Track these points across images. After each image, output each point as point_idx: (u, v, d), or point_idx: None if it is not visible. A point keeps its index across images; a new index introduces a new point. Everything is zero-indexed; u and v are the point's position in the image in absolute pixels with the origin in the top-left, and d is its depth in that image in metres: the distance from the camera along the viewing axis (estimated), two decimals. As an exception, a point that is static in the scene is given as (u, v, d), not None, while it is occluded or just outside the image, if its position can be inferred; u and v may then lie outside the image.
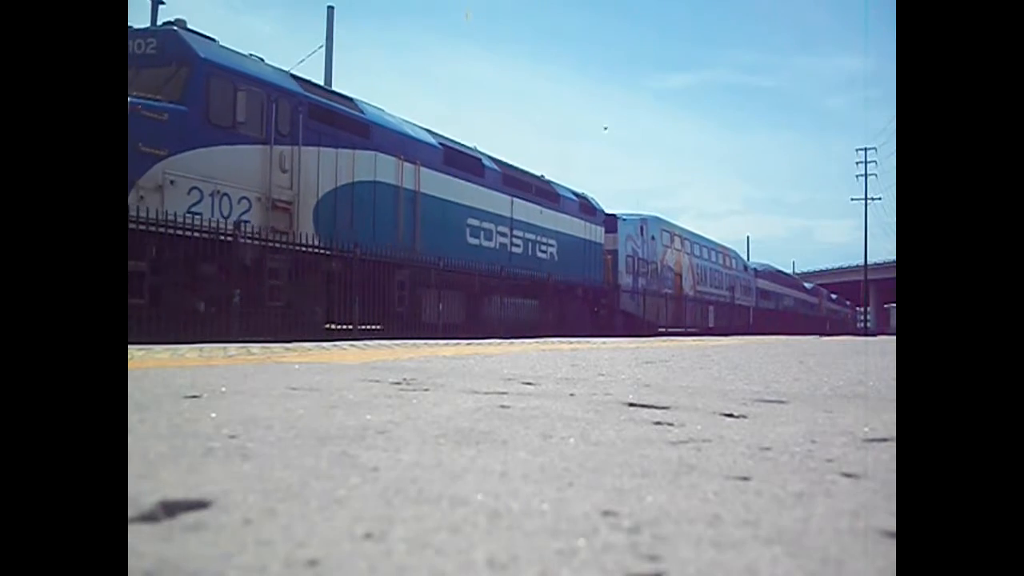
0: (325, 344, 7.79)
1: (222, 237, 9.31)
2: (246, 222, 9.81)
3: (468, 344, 8.48)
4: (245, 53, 10.89)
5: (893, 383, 3.67)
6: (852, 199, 52.09)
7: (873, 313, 63.78)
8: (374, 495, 1.15)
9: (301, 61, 31.89)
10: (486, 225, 15.27)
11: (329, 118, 11.52)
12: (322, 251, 10.80)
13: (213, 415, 1.98)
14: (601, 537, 0.96)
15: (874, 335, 39.42)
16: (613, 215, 21.31)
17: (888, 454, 1.63)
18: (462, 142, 15.41)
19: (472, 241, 14.78)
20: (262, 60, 11.11)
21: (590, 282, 19.29)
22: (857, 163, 50.47)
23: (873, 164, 53.73)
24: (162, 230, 8.47)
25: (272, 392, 2.58)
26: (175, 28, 9.79)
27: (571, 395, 2.75)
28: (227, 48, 10.48)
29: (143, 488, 1.14)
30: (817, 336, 24.52)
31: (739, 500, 1.18)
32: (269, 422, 1.87)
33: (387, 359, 4.96)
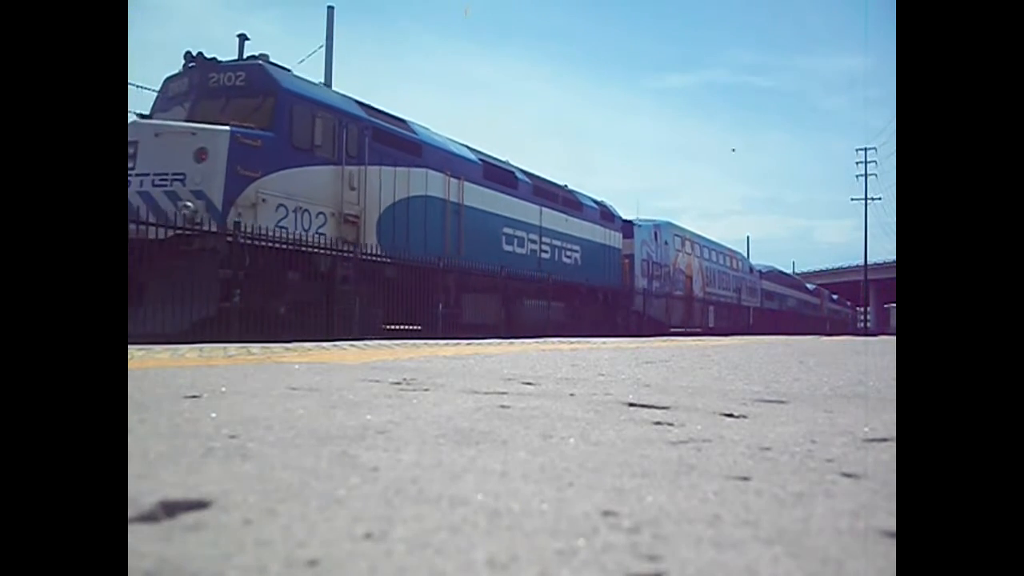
0: (325, 344, 7.78)
1: (304, 249, 10.29)
2: (322, 234, 10.83)
3: (468, 344, 8.48)
4: (310, 79, 12.14)
5: (893, 383, 3.67)
6: (852, 199, 52.00)
7: (873, 313, 63.78)
8: (374, 495, 1.15)
9: (301, 61, 31.88)
10: (519, 233, 16.36)
11: (388, 140, 12.55)
12: (382, 259, 11.83)
13: (213, 415, 1.98)
14: (601, 537, 0.96)
15: (874, 335, 39.42)
16: (630, 221, 22.22)
17: (888, 454, 1.63)
18: (497, 156, 16.52)
19: (507, 248, 15.88)
20: (330, 88, 12.14)
21: (610, 285, 20.24)
22: (857, 163, 50.49)
23: (873, 164, 53.85)
24: (259, 243, 9.53)
25: (272, 392, 2.58)
26: (260, 63, 10.90)
27: (571, 395, 2.75)
28: (301, 77, 11.61)
29: (143, 488, 1.14)
30: (817, 336, 24.53)
31: (739, 500, 1.18)
32: (269, 422, 1.87)
33: (387, 359, 4.96)
